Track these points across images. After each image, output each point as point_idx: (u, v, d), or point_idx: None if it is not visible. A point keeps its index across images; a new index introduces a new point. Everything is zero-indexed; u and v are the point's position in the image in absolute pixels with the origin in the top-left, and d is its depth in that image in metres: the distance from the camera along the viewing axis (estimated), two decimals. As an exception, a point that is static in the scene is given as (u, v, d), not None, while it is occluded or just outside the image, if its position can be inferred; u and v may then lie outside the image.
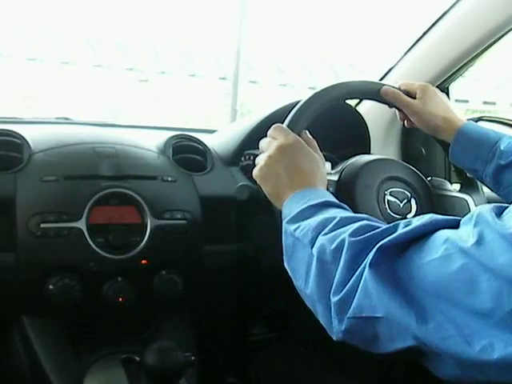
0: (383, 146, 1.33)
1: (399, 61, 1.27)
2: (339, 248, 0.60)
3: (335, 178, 0.95)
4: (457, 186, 1.07)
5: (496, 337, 0.47)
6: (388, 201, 0.92)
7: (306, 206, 0.70)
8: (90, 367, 0.99)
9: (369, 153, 1.21)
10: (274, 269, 0.83)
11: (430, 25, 1.20)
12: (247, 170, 1.14)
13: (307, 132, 0.83)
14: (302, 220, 0.68)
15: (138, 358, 0.91)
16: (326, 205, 0.70)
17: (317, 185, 0.76)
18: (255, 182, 0.83)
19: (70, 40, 5.27)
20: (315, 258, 0.63)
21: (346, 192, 0.84)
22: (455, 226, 0.55)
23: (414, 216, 0.93)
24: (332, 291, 0.59)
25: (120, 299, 0.96)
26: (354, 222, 0.63)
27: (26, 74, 4.94)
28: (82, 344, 1.02)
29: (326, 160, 0.84)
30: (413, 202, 0.95)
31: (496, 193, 0.91)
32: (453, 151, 0.92)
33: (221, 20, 6.65)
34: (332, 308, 0.60)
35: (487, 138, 0.89)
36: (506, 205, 0.53)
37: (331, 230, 0.63)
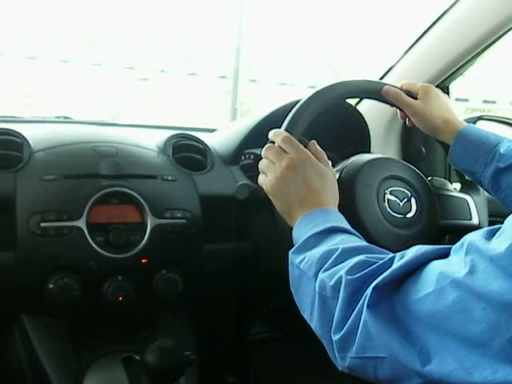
0: (383, 145, 1.33)
1: (399, 60, 1.27)
2: (337, 285, 0.60)
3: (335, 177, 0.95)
4: (457, 186, 1.07)
5: (496, 368, 0.46)
6: (388, 200, 0.92)
7: (311, 233, 0.69)
8: (89, 366, 0.99)
9: (369, 152, 1.21)
10: (273, 268, 0.83)
11: (431, 23, 1.20)
12: (247, 169, 1.14)
13: (316, 143, 0.82)
14: (307, 250, 0.68)
15: (138, 357, 0.91)
16: (332, 231, 0.69)
17: (328, 203, 0.75)
18: (255, 180, 0.82)
19: (69, 39, 5.26)
20: (317, 294, 0.63)
21: (346, 191, 0.84)
22: (446, 254, 0.55)
23: (414, 215, 0.93)
24: (332, 329, 0.60)
25: (120, 298, 0.96)
26: (354, 255, 0.62)
27: (26, 72, 4.93)
28: (81, 343, 1.02)
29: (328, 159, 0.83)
30: (413, 201, 0.94)
31: (494, 195, 0.91)
32: (452, 153, 0.92)
33: (220, 18, 6.66)
34: (334, 346, 0.60)
35: (487, 141, 0.89)
36: (498, 226, 0.52)
37: (331, 266, 0.63)
